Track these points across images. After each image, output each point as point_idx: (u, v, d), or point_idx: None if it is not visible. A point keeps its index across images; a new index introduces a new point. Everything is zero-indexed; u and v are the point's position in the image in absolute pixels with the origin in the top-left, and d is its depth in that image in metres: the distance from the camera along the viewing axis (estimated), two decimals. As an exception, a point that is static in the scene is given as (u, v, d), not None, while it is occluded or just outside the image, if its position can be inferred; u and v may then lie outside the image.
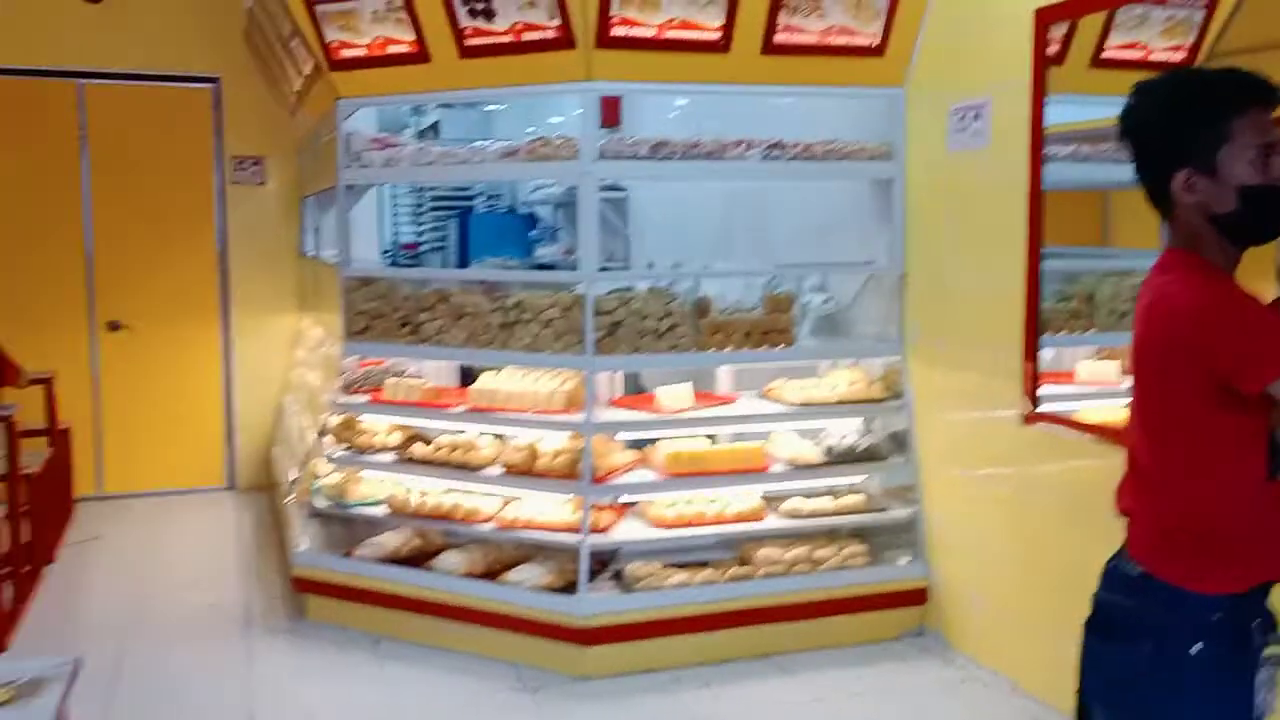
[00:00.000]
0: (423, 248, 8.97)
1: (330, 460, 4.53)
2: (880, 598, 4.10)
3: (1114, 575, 1.91)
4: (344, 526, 4.58)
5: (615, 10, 3.74)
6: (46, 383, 5.58)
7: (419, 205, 9.25)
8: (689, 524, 4.06)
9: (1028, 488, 3.60)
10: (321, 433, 4.68)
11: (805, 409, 4.22)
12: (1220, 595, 1.77)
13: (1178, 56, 3.24)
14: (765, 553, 4.09)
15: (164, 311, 6.54)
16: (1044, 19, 3.37)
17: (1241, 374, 1.69)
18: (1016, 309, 3.52)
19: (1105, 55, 3.38)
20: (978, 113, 3.73)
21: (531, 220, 8.36)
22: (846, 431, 4.31)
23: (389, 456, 4.43)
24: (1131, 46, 3.32)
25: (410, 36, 4.05)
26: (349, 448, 4.52)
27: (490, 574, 4.10)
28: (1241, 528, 1.79)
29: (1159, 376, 1.81)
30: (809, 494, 4.35)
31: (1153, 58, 3.29)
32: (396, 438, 4.53)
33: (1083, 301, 3.63)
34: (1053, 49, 3.39)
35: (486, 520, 4.16)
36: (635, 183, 6.22)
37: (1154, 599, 1.81)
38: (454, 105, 8.28)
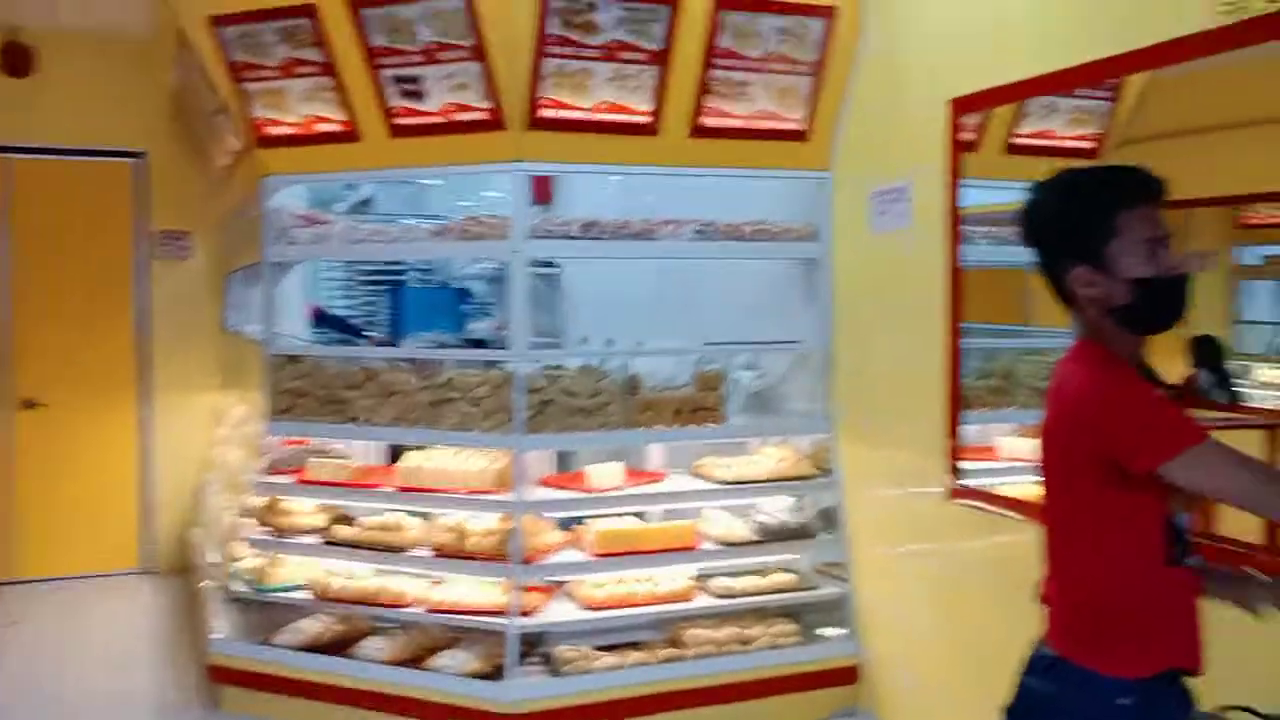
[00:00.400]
0: (355, 322, 8.89)
1: (250, 543, 4.41)
2: (812, 677, 4.07)
3: (1034, 659, 1.94)
4: (263, 612, 4.43)
5: (545, 93, 3.79)
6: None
7: (350, 279, 9.20)
8: (619, 604, 4.02)
9: (953, 564, 3.62)
10: (242, 514, 4.56)
11: (735, 487, 4.23)
12: (1130, 679, 1.80)
13: (1085, 144, 3.37)
14: (696, 633, 4.06)
15: (82, 388, 6.37)
16: (958, 108, 3.49)
17: (1134, 457, 1.74)
18: (939, 386, 3.58)
19: (1017, 142, 3.50)
20: (898, 196, 3.83)
21: (465, 295, 8.34)
22: (777, 509, 4.31)
23: (312, 539, 4.33)
24: (1041, 135, 3.45)
25: (341, 116, 4.06)
26: (270, 530, 4.40)
27: (416, 660, 4.00)
28: (1143, 611, 1.83)
29: (1062, 460, 1.87)
30: (739, 572, 4.34)
31: (1062, 145, 3.42)
32: (320, 519, 4.42)
33: (1003, 379, 3.71)
34: (967, 136, 3.51)
35: (412, 603, 4.07)
36: (568, 260, 6.26)
37: (1067, 683, 1.84)
38: (385, 181, 8.30)
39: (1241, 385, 2.88)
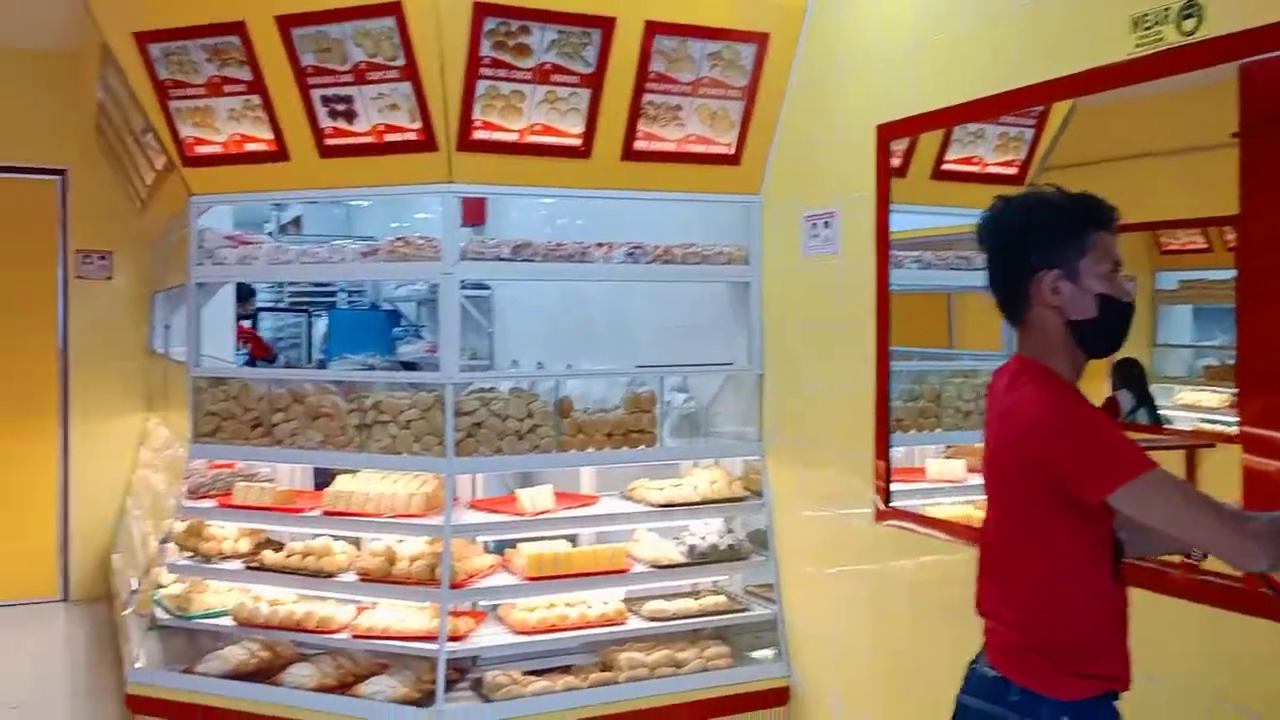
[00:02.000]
0: (281, 344, 8.76)
1: (173, 569, 4.30)
2: (743, 699, 4.07)
3: (973, 678, 1.95)
4: (187, 640, 4.32)
5: (477, 114, 3.78)
6: None
7: (278, 301, 9.06)
8: (551, 629, 3.99)
9: (882, 586, 3.66)
10: (165, 539, 4.45)
11: (667, 509, 4.23)
12: (1071, 700, 1.83)
13: (1010, 171, 3.45)
14: (628, 656, 4.04)
15: (1, 411, 6.17)
16: (885, 135, 3.55)
17: (1083, 484, 1.77)
18: (868, 408, 3.63)
19: (944, 168, 3.57)
20: (828, 220, 3.88)
21: (395, 317, 8.27)
22: (708, 531, 4.32)
23: (237, 564, 4.23)
24: (968, 161, 3.52)
25: (268, 135, 4.01)
26: (194, 555, 4.29)
27: (344, 687, 3.91)
28: (1087, 634, 1.86)
29: (1010, 486, 1.88)
30: (671, 595, 4.33)
31: (988, 170, 3.49)
32: (246, 544, 4.33)
33: (931, 400, 3.77)
34: (895, 161, 3.57)
35: (340, 630, 3.99)
36: (499, 282, 6.23)
37: (1008, 703, 1.85)
38: (315, 201, 8.21)
39: (1163, 407, 2.96)
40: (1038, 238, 1.90)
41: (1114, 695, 1.89)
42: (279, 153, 4.03)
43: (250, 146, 4.08)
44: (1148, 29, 2.58)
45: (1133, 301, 1.93)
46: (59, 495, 6.35)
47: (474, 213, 5.92)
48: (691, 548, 4.22)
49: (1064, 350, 1.90)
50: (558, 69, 3.81)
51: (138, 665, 4.11)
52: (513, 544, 4.22)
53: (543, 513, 4.10)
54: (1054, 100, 3.04)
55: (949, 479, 3.70)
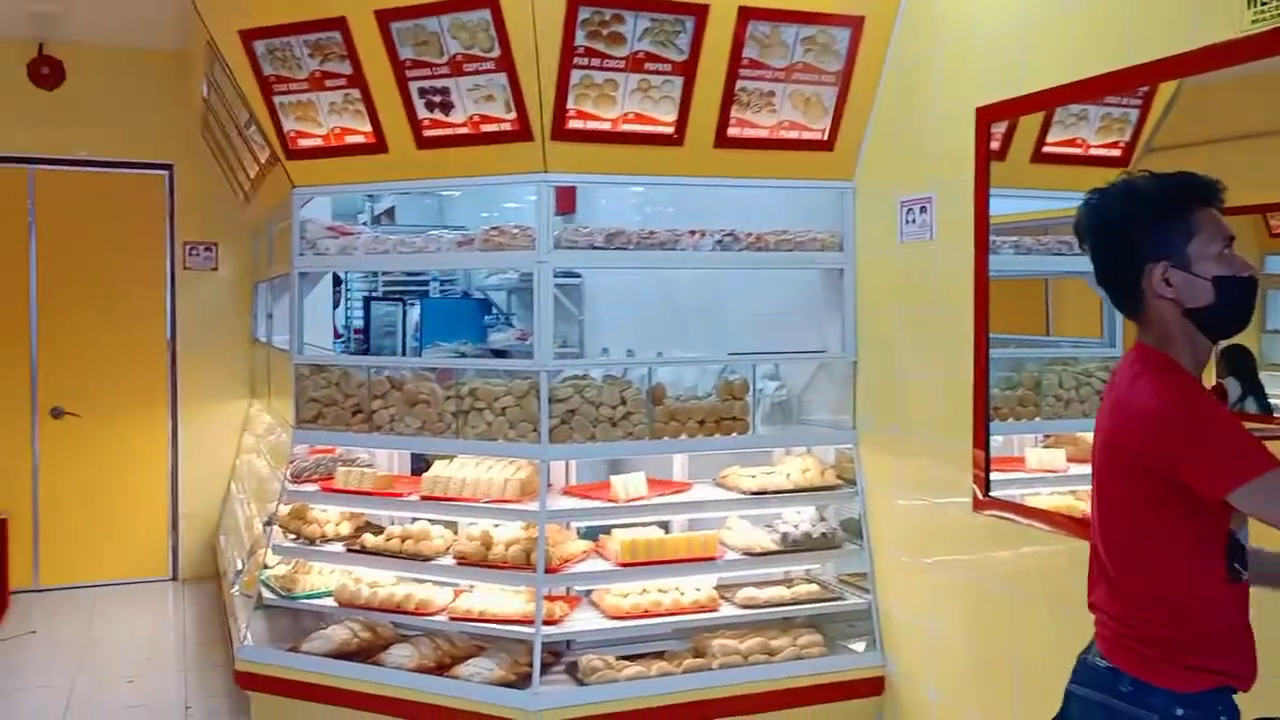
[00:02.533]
0: (374, 334, 8.94)
1: (277, 550, 4.44)
2: (837, 688, 4.06)
3: (1083, 668, 1.92)
4: (291, 619, 4.46)
5: (571, 104, 3.81)
6: (-17, 472, 5.44)
7: (371, 291, 9.26)
8: (644, 614, 4.02)
9: (980, 576, 3.61)
10: (269, 522, 4.59)
11: (759, 496, 4.22)
12: (1186, 692, 1.78)
13: (1113, 153, 3.36)
14: (721, 643, 4.05)
15: (110, 397, 6.44)
16: (985, 117, 3.48)
17: (1201, 481, 1.71)
18: (966, 396, 3.57)
19: (1045, 151, 3.49)
20: (924, 206, 3.82)
21: (486, 305, 8.38)
22: (801, 519, 4.31)
23: (338, 547, 4.35)
24: (1070, 143, 3.44)
25: (368, 128, 4.10)
26: (297, 538, 4.43)
27: (441, 668, 4.00)
28: (1202, 626, 1.81)
29: (1122, 478, 1.84)
30: (763, 582, 4.33)
31: (1091, 152, 3.41)
32: (346, 527, 4.45)
33: (1030, 388, 3.70)
34: (994, 145, 3.50)
35: (438, 612, 4.08)
36: (590, 270, 6.28)
37: (1120, 693, 1.82)
38: (408, 192, 8.36)
39: (1273, 396, 2.86)
40: (1140, 230, 1.83)
41: (1232, 691, 1.84)
42: (378, 145, 4.12)
43: (350, 139, 4.17)
44: (1264, 4, 2.49)
45: (1254, 274, 1.84)
46: (169, 479, 6.59)
47: (564, 201, 5.97)
48: (784, 535, 4.21)
49: (1184, 339, 1.83)
50: (651, 57, 3.81)
51: (246, 643, 4.26)
52: (606, 530, 4.26)
53: (636, 499, 4.13)
54: (1164, 80, 2.95)
55: (1049, 469, 3.63)
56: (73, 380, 6.35)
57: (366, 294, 8.52)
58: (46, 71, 6.23)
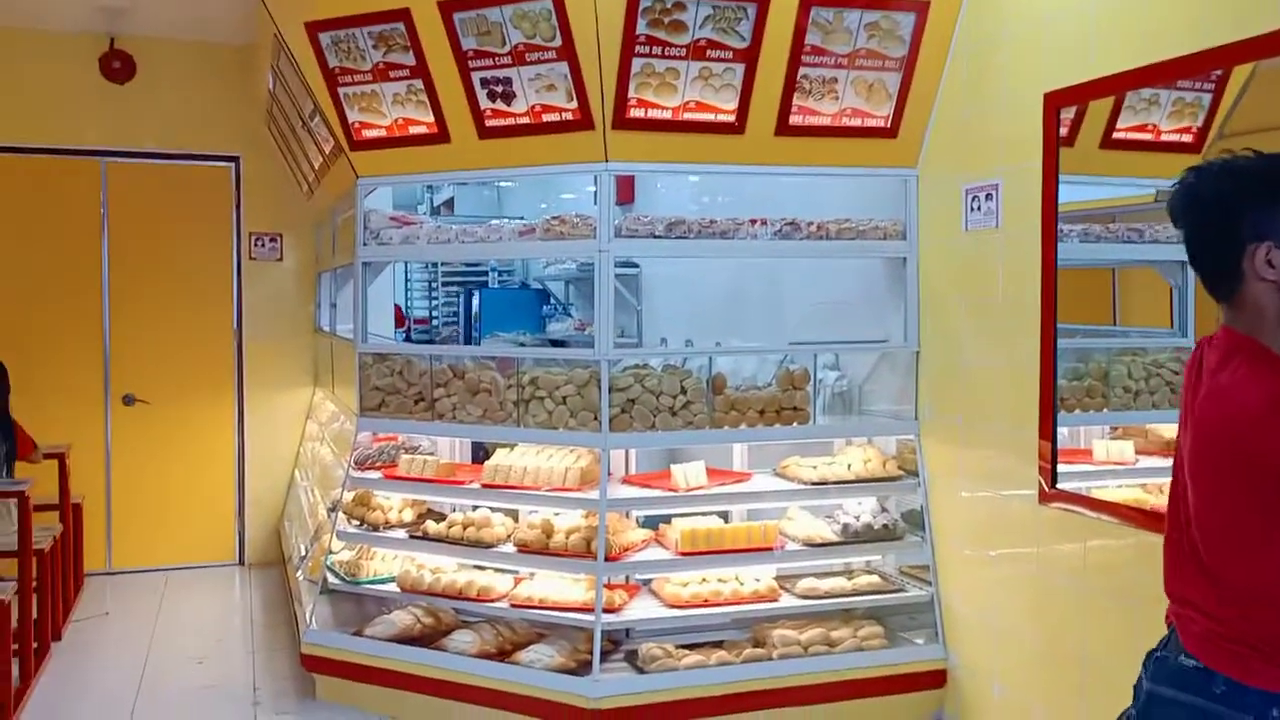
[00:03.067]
0: (435, 322, 9.06)
1: (342, 536, 4.51)
2: (898, 680, 4.02)
3: (1166, 667, 1.85)
4: (355, 604, 4.54)
5: (632, 93, 3.81)
6: (60, 457, 5.59)
7: (431, 281, 9.36)
8: (703, 603, 4.02)
9: (1046, 569, 3.55)
10: (333, 508, 4.67)
11: (820, 487, 4.20)
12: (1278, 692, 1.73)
13: (1185, 139, 3.28)
14: (781, 633, 4.04)
15: (178, 386, 6.58)
16: (1054, 103, 3.42)
17: None
18: (1032, 387, 3.52)
19: (1115, 137, 3.42)
20: (990, 193, 3.77)
21: (544, 296, 8.43)
22: (862, 510, 4.28)
23: (401, 533, 4.41)
24: (1141, 129, 3.36)
25: (430, 118, 4.13)
26: (361, 524, 4.50)
27: (502, 654, 4.05)
28: None
29: (1222, 472, 1.76)
30: (823, 573, 4.31)
31: (1162, 138, 3.33)
32: (409, 514, 4.51)
33: (1097, 379, 3.63)
34: (1063, 131, 3.44)
35: (499, 598, 4.13)
36: (648, 259, 6.28)
37: (1213, 694, 1.76)
38: (468, 183, 8.43)
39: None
40: (1241, 209, 1.76)
41: None
42: (440, 135, 4.15)
43: (413, 129, 4.21)
44: (1349, -18, 2.42)
45: None
46: (235, 465, 6.73)
47: (623, 191, 5.98)
48: (845, 526, 4.19)
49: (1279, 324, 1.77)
50: (712, 44, 3.80)
51: (312, 627, 4.34)
52: (666, 519, 4.27)
53: (696, 489, 4.13)
54: (1238, 63, 2.87)
55: (1118, 461, 3.56)
56: (143, 368, 6.50)
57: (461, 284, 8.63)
58: (118, 66, 6.37)
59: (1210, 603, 1.81)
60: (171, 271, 6.57)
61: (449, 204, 8.87)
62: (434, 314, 9.24)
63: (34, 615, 4.67)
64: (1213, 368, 1.80)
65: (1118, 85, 3.22)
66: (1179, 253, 3.46)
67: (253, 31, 5.74)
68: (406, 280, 9.20)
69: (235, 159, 6.68)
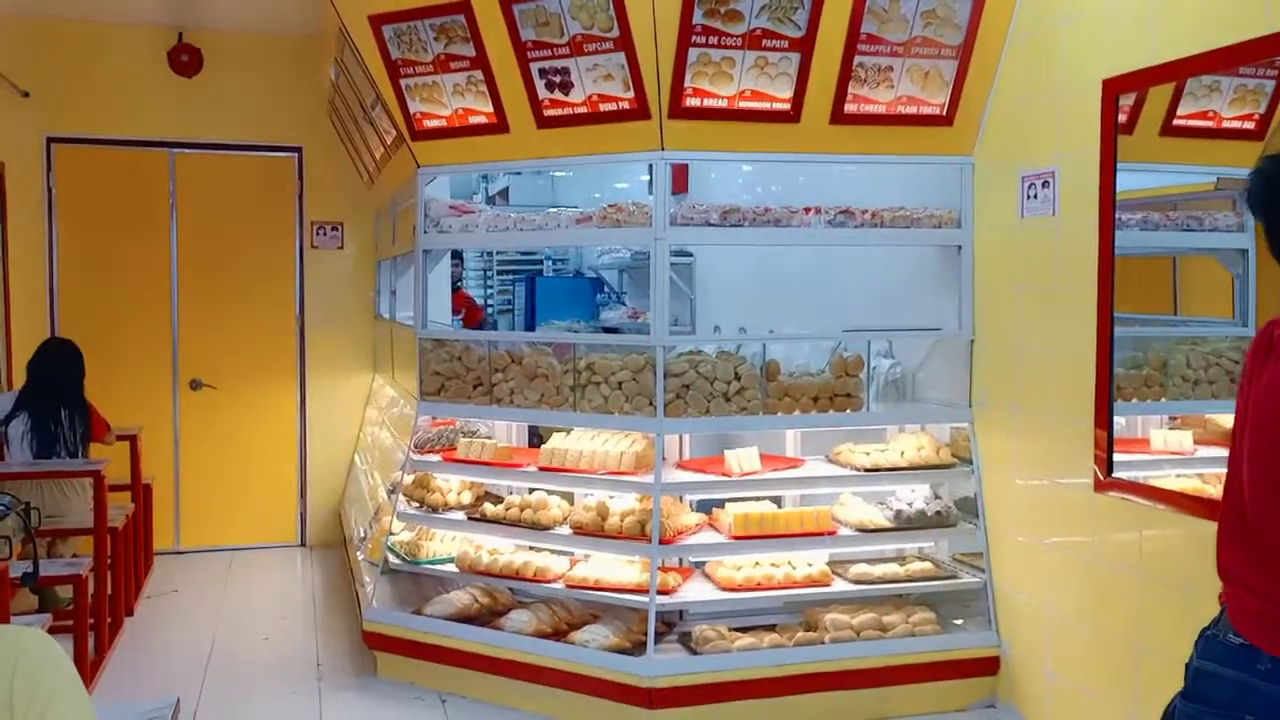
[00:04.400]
0: (490, 310, 9.17)
1: (402, 517, 4.62)
2: (951, 666, 4.05)
3: (1214, 645, 1.87)
4: (414, 583, 4.65)
5: (688, 82, 3.86)
6: (132, 439, 5.77)
7: (486, 269, 9.48)
8: (756, 587, 4.07)
9: (1101, 557, 3.55)
10: (393, 490, 4.78)
11: (873, 473, 4.22)
12: None
13: (1247, 125, 3.25)
14: (833, 618, 4.08)
15: (243, 371, 6.74)
16: (1112, 89, 3.41)
17: None
18: (1088, 375, 3.51)
19: (1175, 124, 3.40)
20: (1047, 181, 3.76)
21: (598, 284, 8.50)
22: (915, 497, 4.30)
23: (459, 515, 4.51)
24: (1202, 116, 3.34)
25: (490, 108, 4.21)
26: (420, 505, 4.60)
27: (557, 634, 4.13)
28: None
29: (1271, 453, 1.77)
30: (875, 559, 4.34)
31: (1224, 125, 3.30)
32: (467, 496, 4.61)
33: (1156, 369, 3.61)
34: (1122, 118, 3.42)
35: (555, 579, 4.21)
36: (700, 248, 6.31)
37: (1257, 671, 1.78)
38: (522, 172, 8.52)
39: None
40: None
41: None
42: (499, 125, 4.23)
43: (473, 119, 4.30)
44: None
45: None
46: (297, 449, 6.89)
47: (677, 181, 6.01)
48: (898, 513, 4.21)
49: None
50: (768, 34, 3.83)
51: (373, 606, 4.45)
52: (719, 503, 4.32)
53: (749, 474, 4.17)
54: (1305, 48, 2.85)
55: (1176, 451, 3.54)
56: (209, 354, 6.67)
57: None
58: (185, 59, 6.53)
59: (1256, 581, 1.82)
60: (236, 260, 6.73)
61: (504, 194, 8.96)
62: (489, 303, 9.36)
63: (109, 591, 4.84)
64: (1277, 356, 1.80)
65: (1178, 72, 3.20)
66: (1240, 241, 3.45)
67: (316, 24, 5.87)
68: (462, 269, 9.32)
69: (298, 149, 6.82)
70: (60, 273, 6.49)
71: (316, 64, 6.41)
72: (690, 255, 6.54)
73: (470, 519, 4.46)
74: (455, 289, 7.38)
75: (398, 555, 4.59)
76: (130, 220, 6.59)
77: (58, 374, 5.24)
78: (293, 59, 6.67)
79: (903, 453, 4.31)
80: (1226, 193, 3.50)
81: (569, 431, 4.46)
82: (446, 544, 4.61)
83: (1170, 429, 3.66)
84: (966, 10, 3.92)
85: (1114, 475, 3.45)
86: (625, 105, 3.96)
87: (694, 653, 3.95)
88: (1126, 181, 3.47)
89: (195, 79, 6.57)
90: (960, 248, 4.25)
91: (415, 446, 4.69)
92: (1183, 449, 3.52)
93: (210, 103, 6.61)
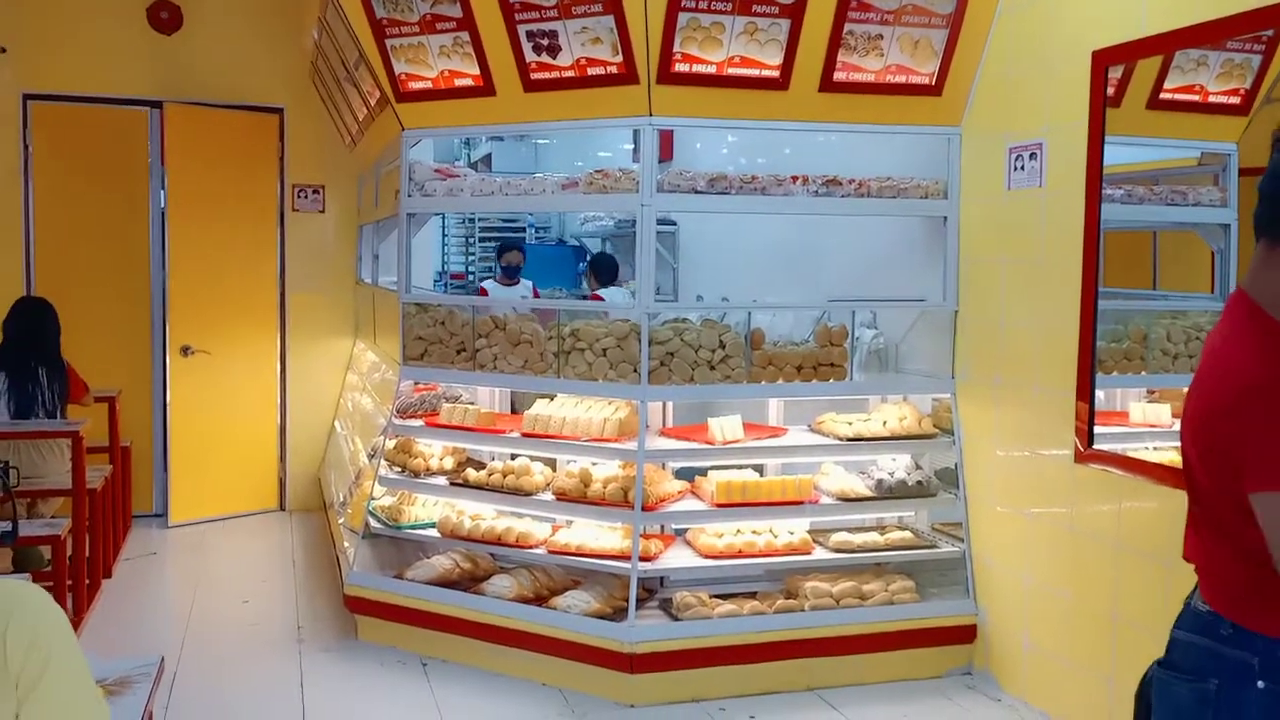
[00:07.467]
0: (471, 277, 9.14)
1: (383, 482, 4.61)
2: (928, 633, 4.09)
3: (1185, 613, 1.91)
4: (395, 548, 4.65)
5: (677, 47, 3.83)
6: (110, 401, 5.72)
7: (468, 236, 9.43)
8: (737, 554, 4.09)
9: (1079, 528, 3.59)
10: (373, 454, 4.76)
11: (855, 443, 4.24)
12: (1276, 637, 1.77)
13: (1233, 100, 3.27)
14: (813, 585, 4.11)
15: (228, 336, 6.64)
16: (1101, 61, 3.41)
17: (1247, 472, 1.67)
18: (1071, 348, 3.54)
19: (1163, 97, 3.41)
20: (1034, 153, 3.76)
21: (580, 252, 8.48)
22: (896, 466, 4.33)
23: (441, 480, 4.51)
24: (1189, 90, 3.35)
25: (476, 70, 4.17)
26: (402, 470, 4.59)
27: (539, 599, 4.14)
28: None
29: (1208, 428, 1.80)
30: (856, 528, 4.37)
31: (1210, 99, 3.32)
32: (449, 462, 4.60)
33: (1136, 342, 3.64)
34: (1110, 90, 3.42)
35: (537, 545, 4.21)
36: (684, 216, 6.30)
37: (1221, 638, 1.82)
38: (505, 138, 8.46)
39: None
40: None
41: None
42: (485, 88, 4.19)
43: (459, 82, 4.25)
44: None
45: None
46: (278, 415, 6.85)
47: (661, 148, 5.99)
48: (879, 482, 4.24)
49: None
50: None
51: (354, 569, 4.45)
52: (702, 471, 4.33)
53: (733, 442, 4.18)
54: (1293, 22, 2.86)
55: (1154, 424, 3.58)
56: (201, 318, 6.52)
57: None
58: (165, 16, 6.42)
59: (1216, 549, 1.84)
60: (216, 224, 6.62)
61: (486, 160, 8.91)
62: (470, 269, 9.33)
63: (86, 553, 4.81)
64: (1219, 332, 1.81)
65: (1168, 44, 3.21)
66: (1223, 216, 3.47)
67: (298, -18, 5.78)
68: (444, 235, 9.27)
69: (280, 110, 6.73)
70: (36, 232, 6.39)
71: (299, 23, 6.33)
72: (674, 224, 6.53)
73: (452, 484, 4.45)
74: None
75: (379, 520, 4.59)
76: (111, 180, 6.49)
77: (36, 332, 5.18)
78: (275, 18, 6.58)
79: (885, 423, 4.34)
80: (1209, 168, 3.52)
81: (552, 398, 4.46)
82: (428, 509, 4.61)
83: (1149, 402, 3.70)
84: (957, -21, 3.90)
85: (1094, 447, 3.48)
86: (613, 70, 3.93)
87: (675, 619, 3.97)
88: (1112, 155, 3.48)
89: (175, 36, 6.48)
90: (946, 219, 4.26)
91: (398, 411, 4.68)
92: (1161, 422, 3.56)
93: (190, 61, 6.51)
